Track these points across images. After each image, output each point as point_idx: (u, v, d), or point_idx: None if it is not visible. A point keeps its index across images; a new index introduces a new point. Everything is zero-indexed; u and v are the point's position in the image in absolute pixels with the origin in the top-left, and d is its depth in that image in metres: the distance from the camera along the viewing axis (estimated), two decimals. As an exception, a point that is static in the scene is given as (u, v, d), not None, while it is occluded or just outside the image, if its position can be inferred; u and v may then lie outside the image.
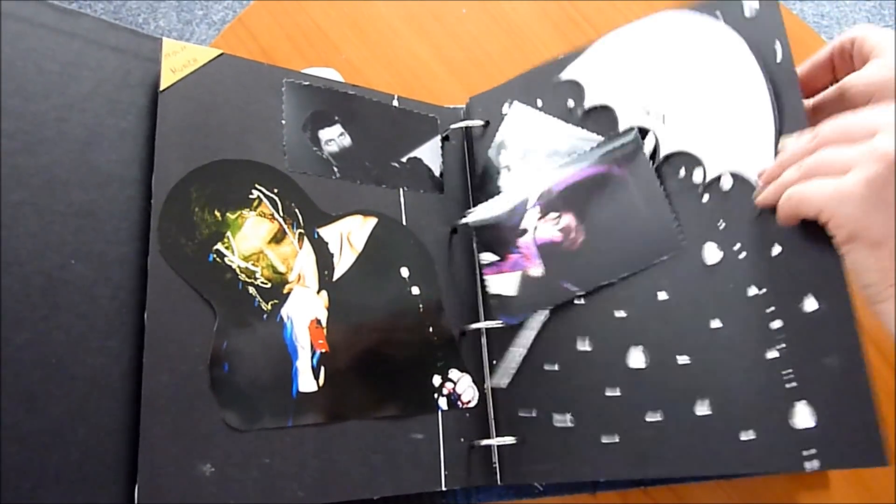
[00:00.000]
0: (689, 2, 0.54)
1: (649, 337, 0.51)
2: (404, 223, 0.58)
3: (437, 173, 0.62)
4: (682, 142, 0.53)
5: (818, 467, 0.43)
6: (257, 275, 0.50)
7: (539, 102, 0.61)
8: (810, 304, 0.45)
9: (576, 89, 0.59)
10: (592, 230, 0.55)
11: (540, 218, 0.57)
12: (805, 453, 0.43)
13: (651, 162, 0.54)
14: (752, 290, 0.47)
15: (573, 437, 0.52)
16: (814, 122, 0.45)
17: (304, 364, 0.50)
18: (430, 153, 0.62)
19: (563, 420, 0.53)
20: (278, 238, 0.52)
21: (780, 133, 0.48)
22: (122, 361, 0.46)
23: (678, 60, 0.55)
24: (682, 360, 0.49)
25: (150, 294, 0.46)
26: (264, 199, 0.52)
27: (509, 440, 0.54)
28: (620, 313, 0.52)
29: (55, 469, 0.41)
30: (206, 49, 0.54)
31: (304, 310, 0.52)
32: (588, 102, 0.58)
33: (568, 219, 0.56)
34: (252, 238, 0.51)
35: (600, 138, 0.57)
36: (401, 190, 0.59)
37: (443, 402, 0.55)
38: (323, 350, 0.51)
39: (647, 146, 0.54)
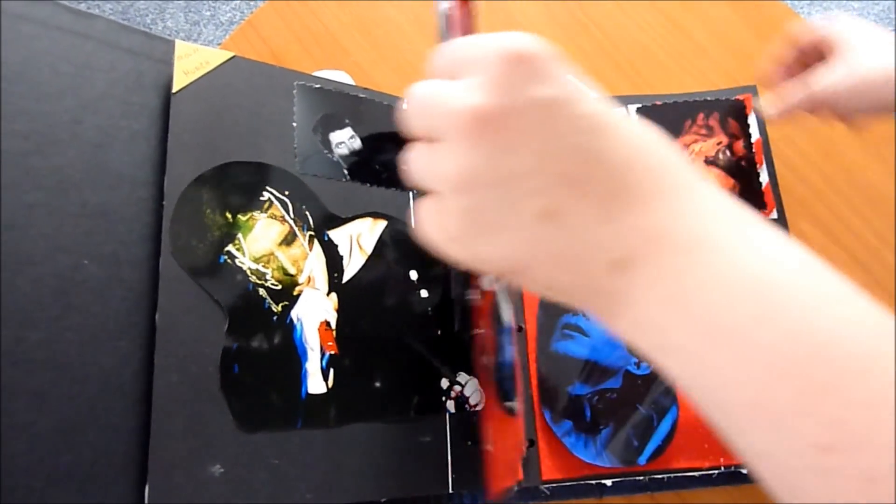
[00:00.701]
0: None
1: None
2: (414, 226, 0.58)
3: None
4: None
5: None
6: (268, 276, 0.51)
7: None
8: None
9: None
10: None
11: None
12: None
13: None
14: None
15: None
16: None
17: (313, 366, 0.50)
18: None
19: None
20: (289, 240, 0.52)
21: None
22: (134, 362, 0.46)
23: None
24: None
25: (161, 295, 0.47)
26: (275, 202, 0.53)
27: (517, 443, 0.54)
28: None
29: (66, 468, 0.42)
30: (219, 51, 0.54)
31: (314, 312, 0.52)
32: None
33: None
34: (262, 240, 0.51)
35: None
36: (411, 193, 0.59)
37: (450, 405, 0.55)
38: (332, 352, 0.51)
39: None
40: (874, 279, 0.66)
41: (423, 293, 0.57)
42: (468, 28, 0.35)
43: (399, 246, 0.57)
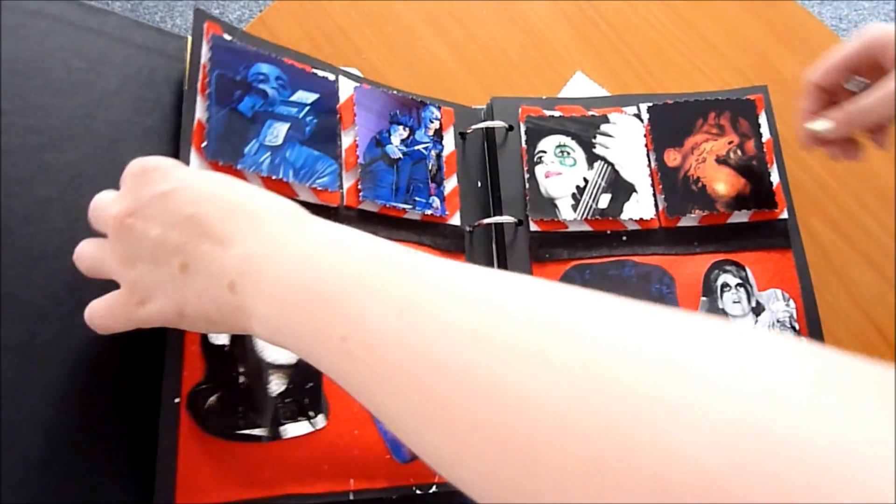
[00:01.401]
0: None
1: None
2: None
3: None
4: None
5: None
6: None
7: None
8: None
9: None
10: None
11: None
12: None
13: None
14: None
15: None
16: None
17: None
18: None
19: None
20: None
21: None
22: (147, 355, 0.46)
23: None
24: None
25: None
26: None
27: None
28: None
29: (80, 462, 0.42)
30: (231, 47, 0.54)
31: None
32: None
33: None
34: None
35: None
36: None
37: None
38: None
39: None
40: (885, 278, 0.66)
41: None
42: None
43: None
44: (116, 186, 0.44)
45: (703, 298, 0.59)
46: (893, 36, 0.49)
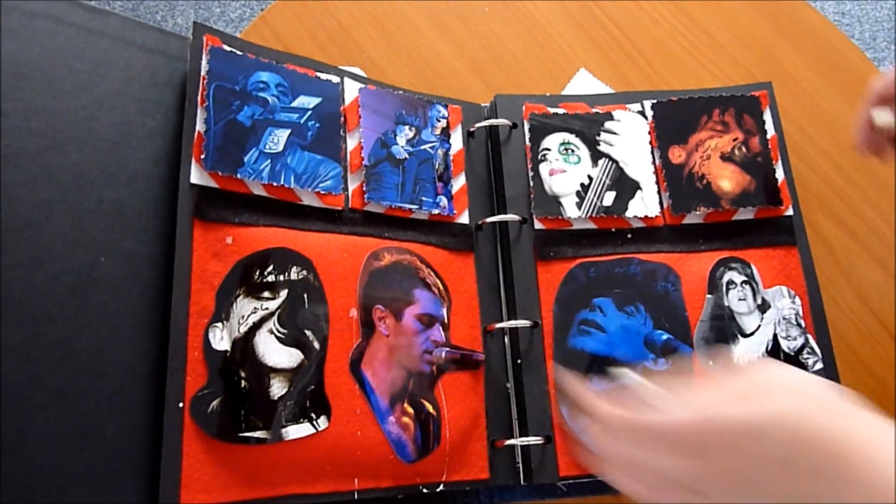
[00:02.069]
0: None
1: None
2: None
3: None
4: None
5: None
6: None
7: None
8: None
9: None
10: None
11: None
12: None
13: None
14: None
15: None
16: None
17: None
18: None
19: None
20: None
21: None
22: (151, 358, 0.46)
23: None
24: None
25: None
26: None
27: (535, 440, 0.54)
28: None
29: (85, 465, 0.42)
30: (233, 47, 0.54)
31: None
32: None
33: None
34: (278, 237, 0.51)
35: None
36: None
37: (467, 402, 0.55)
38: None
39: None
40: (891, 275, 0.65)
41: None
42: None
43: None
44: (119, 188, 0.44)
45: (709, 296, 0.59)
46: None
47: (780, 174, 0.63)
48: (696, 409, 0.36)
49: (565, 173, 0.61)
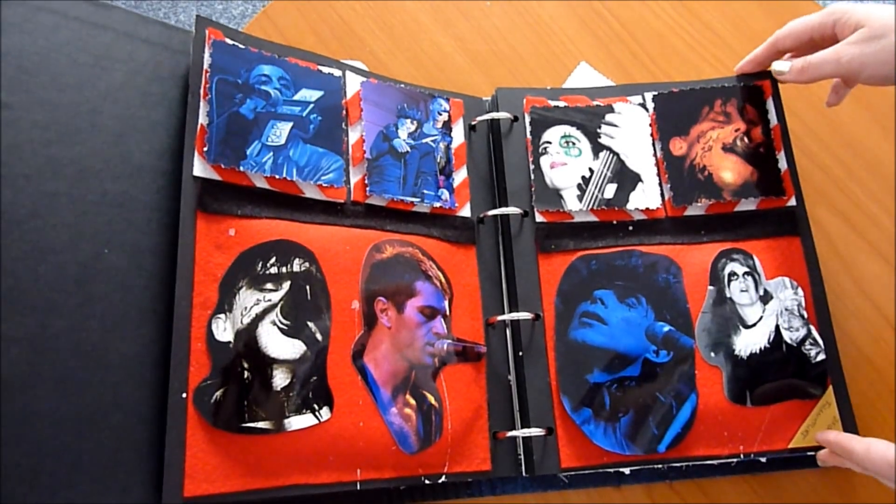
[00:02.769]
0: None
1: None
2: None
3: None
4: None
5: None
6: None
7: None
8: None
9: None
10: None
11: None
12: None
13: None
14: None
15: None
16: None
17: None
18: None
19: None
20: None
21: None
22: (155, 349, 0.46)
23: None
24: None
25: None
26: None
27: (537, 432, 0.54)
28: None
29: (90, 454, 0.42)
30: (236, 41, 0.54)
31: (332, 300, 0.52)
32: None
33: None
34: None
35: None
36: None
37: (469, 394, 0.55)
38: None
39: None
40: (892, 266, 0.65)
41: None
42: None
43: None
44: (123, 180, 0.44)
45: (711, 287, 0.59)
46: (851, 10, 0.57)
47: (782, 164, 0.63)
48: None
49: (566, 166, 0.62)
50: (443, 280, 0.57)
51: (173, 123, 0.51)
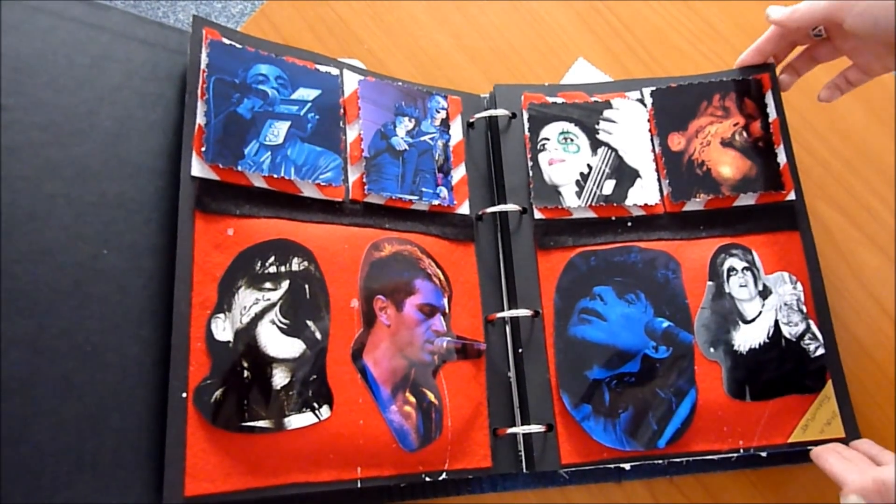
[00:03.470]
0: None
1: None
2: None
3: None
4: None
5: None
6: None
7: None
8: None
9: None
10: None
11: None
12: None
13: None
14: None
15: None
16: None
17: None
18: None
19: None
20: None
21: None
22: (154, 349, 0.46)
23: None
24: None
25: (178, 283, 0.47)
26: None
27: (537, 428, 0.54)
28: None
29: (91, 454, 0.42)
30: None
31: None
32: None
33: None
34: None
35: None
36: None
37: (468, 391, 0.55)
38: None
39: None
40: (892, 261, 0.65)
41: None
42: None
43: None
44: (121, 181, 0.44)
45: (710, 283, 0.59)
46: None
47: (781, 158, 0.63)
48: None
49: (564, 162, 0.62)
50: (442, 278, 0.57)
51: (171, 124, 0.51)
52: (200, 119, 0.50)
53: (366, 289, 0.53)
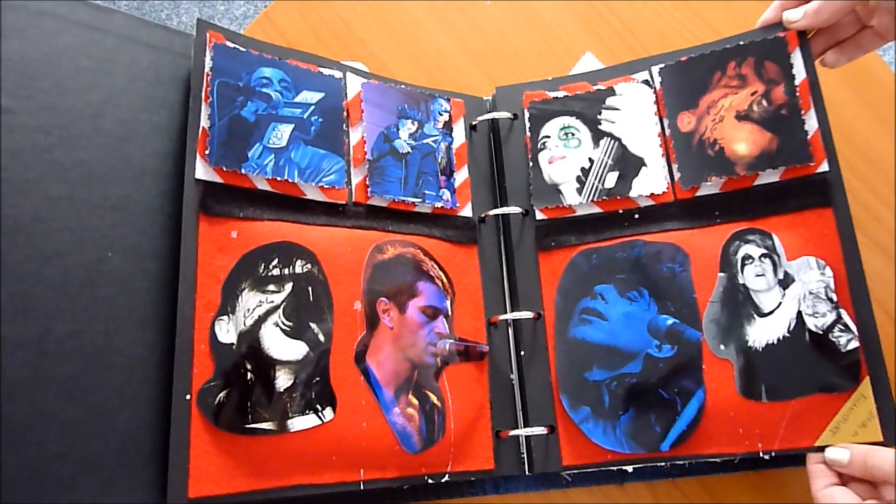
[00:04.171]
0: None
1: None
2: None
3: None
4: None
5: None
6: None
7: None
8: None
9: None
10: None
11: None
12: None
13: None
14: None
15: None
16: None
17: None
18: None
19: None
20: (308, 230, 0.53)
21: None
22: (158, 352, 0.46)
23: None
24: None
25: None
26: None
27: (538, 430, 0.54)
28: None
29: (95, 456, 0.42)
30: (236, 44, 0.55)
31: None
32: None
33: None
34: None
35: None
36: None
37: (471, 393, 0.55)
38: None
39: None
40: (892, 262, 0.65)
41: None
42: None
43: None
44: (125, 184, 0.45)
45: (721, 274, 0.55)
46: None
47: (811, 124, 0.56)
48: None
49: (565, 159, 0.60)
50: (444, 280, 0.57)
51: (175, 127, 0.51)
52: (204, 122, 0.51)
53: (369, 291, 0.53)
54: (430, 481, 0.52)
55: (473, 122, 0.64)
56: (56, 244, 0.44)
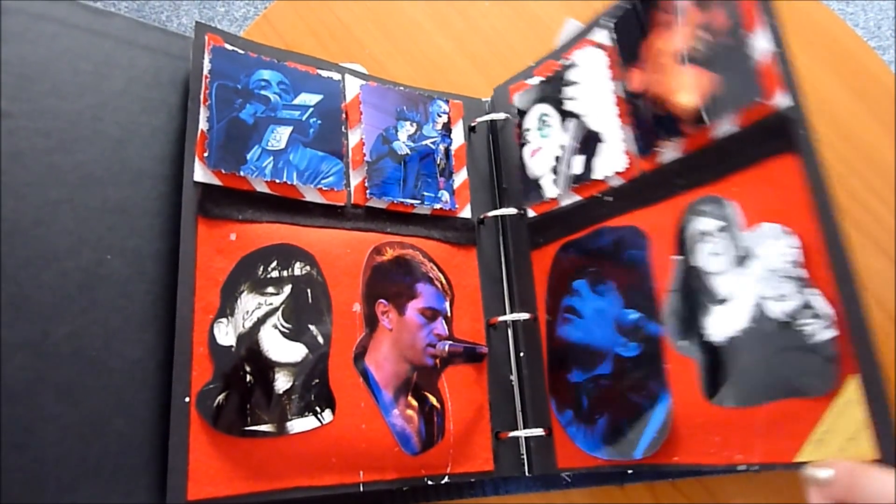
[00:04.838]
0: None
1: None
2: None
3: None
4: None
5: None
6: (287, 269, 0.51)
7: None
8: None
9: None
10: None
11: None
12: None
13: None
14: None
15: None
16: None
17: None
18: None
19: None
20: (307, 233, 0.53)
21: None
22: (158, 354, 0.47)
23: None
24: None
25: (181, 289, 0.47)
26: (293, 195, 0.53)
27: (538, 432, 0.54)
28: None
29: (95, 460, 0.42)
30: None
31: (334, 303, 0.52)
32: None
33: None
34: (281, 233, 0.52)
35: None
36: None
37: (470, 394, 0.55)
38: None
39: None
40: (892, 262, 0.65)
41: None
42: None
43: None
44: (124, 186, 0.45)
45: (677, 258, 0.47)
46: None
47: (760, 48, 0.43)
48: None
49: (541, 150, 0.58)
50: (444, 281, 0.57)
51: (174, 129, 0.51)
52: (203, 125, 0.51)
53: (368, 293, 0.53)
54: (429, 483, 0.52)
55: (472, 124, 0.64)
56: (55, 247, 0.44)
